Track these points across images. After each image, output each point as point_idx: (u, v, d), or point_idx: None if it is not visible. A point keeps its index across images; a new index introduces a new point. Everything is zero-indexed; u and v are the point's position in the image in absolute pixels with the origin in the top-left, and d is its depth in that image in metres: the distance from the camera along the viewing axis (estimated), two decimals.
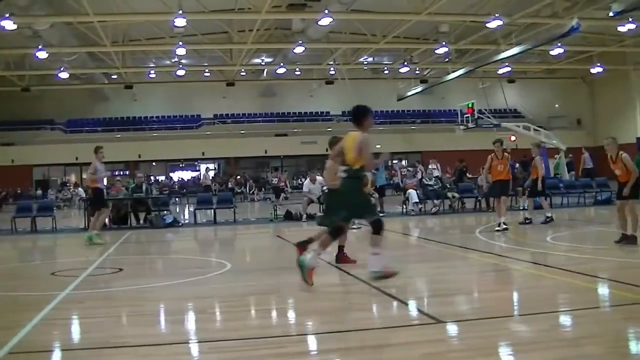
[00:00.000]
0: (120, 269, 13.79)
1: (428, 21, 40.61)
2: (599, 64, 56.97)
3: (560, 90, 65.46)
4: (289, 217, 26.81)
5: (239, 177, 53.69)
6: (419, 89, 56.28)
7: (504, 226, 18.78)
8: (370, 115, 11.07)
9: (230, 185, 49.87)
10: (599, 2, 36.97)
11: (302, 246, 11.78)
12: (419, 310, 9.13)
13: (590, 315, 8.31)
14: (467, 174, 36.57)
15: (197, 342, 7.85)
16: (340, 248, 13.18)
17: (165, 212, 26.63)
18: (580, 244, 16.33)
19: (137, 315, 9.41)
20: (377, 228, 10.49)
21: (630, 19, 39.94)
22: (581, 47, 52.66)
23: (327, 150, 13.46)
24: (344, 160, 10.79)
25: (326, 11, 34.47)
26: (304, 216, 26.12)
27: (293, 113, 61.39)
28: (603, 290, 10.28)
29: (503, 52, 43.29)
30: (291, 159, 59.08)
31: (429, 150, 49.86)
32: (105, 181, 20.39)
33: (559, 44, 45.67)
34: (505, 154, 20.04)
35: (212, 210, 27.66)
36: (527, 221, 20.75)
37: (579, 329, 7.85)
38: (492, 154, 19.75)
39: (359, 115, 10.97)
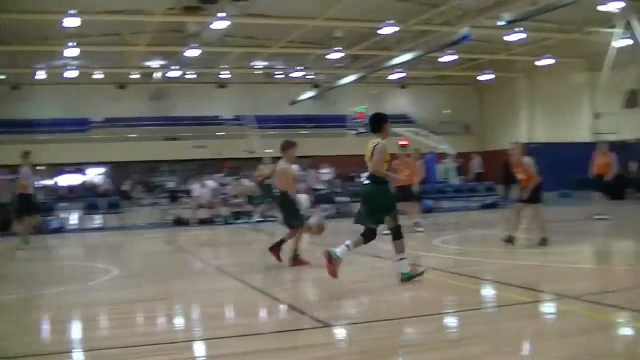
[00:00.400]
0: (1, 277, 13.42)
1: (323, 26, 40.81)
2: (488, 71, 58.23)
3: (451, 96, 66.47)
4: (178, 222, 26.54)
5: (129, 181, 52.79)
6: (311, 94, 56.51)
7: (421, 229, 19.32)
8: (388, 122, 11.00)
9: (126, 188, 48.97)
10: (489, 11, 37.79)
11: (277, 249, 13.11)
12: (308, 315, 9.11)
13: (475, 316, 8.46)
14: (356, 179, 36.98)
15: (82, 351, 7.68)
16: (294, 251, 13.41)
17: (51, 217, 26.06)
18: (467, 247, 16.62)
19: (18, 324, 9.12)
20: (398, 234, 10.66)
21: (518, 29, 40.98)
22: (471, 55, 53.73)
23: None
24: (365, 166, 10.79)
25: (221, 15, 34.24)
26: (194, 221, 25.91)
27: (184, 117, 60.71)
28: (487, 291, 10.48)
29: (395, 58, 43.82)
30: (181, 164, 58.40)
31: (320, 154, 49.93)
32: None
33: (451, 51, 46.49)
34: (408, 159, 20.38)
35: (101, 215, 27.20)
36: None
37: (464, 330, 7.97)
38: (398, 160, 20.01)
39: (377, 123, 10.92)
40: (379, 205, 10.72)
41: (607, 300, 9.08)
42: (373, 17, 38.77)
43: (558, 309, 8.76)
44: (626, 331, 7.68)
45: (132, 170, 56.68)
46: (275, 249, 13.43)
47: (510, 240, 14.89)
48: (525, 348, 7.15)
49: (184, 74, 52.90)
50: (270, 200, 23.64)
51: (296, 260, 13.08)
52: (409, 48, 43.33)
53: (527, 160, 15.03)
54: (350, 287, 11.06)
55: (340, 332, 7.95)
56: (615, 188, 21.07)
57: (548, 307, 8.94)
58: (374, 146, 10.61)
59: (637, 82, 44.17)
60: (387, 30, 37.98)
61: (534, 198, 14.91)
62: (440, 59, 50.55)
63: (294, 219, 13.45)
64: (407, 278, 10.65)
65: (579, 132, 49.59)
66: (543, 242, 14.68)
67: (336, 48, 44.79)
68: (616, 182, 20.52)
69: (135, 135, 56.76)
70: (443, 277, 11.43)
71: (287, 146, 13.31)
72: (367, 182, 10.83)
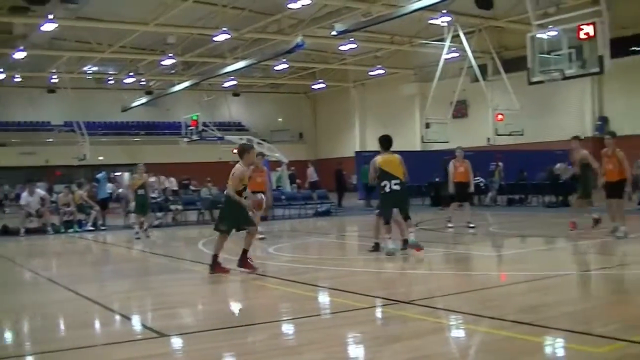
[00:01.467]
0: None
1: (155, 32, 40.39)
2: (321, 80, 59.11)
3: (284, 104, 67.24)
4: (6, 231, 25.55)
5: None
6: (143, 100, 55.84)
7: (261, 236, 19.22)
8: None
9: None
10: (323, 21, 38.34)
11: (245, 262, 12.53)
12: (143, 325, 8.97)
13: (311, 322, 8.52)
14: (191, 187, 36.86)
15: None
16: (244, 252, 12.65)
17: None
18: (302, 255, 16.73)
19: None
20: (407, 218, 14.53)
21: (351, 39, 41.80)
22: (305, 64, 54.43)
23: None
24: (385, 178, 14.22)
25: (50, 17, 33.29)
26: (22, 230, 25.02)
27: (12, 122, 58.70)
28: (323, 298, 10.58)
29: (229, 65, 43.86)
30: (8, 171, 56.38)
31: (153, 162, 49.40)
32: None
33: (284, 60, 46.90)
34: (264, 167, 20.44)
35: None
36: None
37: (300, 337, 8.02)
38: (252, 167, 19.88)
39: (390, 143, 14.63)
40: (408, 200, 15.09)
41: (437, 304, 9.42)
42: (207, 24, 38.77)
43: (392, 313, 8.93)
44: (457, 333, 7.94)
45: None
46: (244, 260, 12.66)
47: (376, 248, 14.97)
48: (361, 353, 7.25)
49: (12, 77, 51.18)
50: (144, 209, 22.45)
51: (217, 267, 12.59)
52: (242, 56, 43.49)
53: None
54: (186, 297, 10.97)
55: (176, 342, 7.84)
56: (469, 195, 21.38)
57: (383, 312, 9.11)
58: (401, 161, 14.43)
59: (465, 92, 45.73)
60: (220, 37, 37.96)
61: None
62: (274, 68, 51.02)
63: (221, 222, 12.79)
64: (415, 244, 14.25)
65: (410, 141, 50.96)
66: (404, 244, 14.79)
67: (169, 54, 44.46)
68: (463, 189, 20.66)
69: None
70: (279, 284, 11.46)
71: (244, 150, 12.79)
72: (397, 187, 14.19)
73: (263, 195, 13.58)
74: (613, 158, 16.32)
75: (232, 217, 12.53)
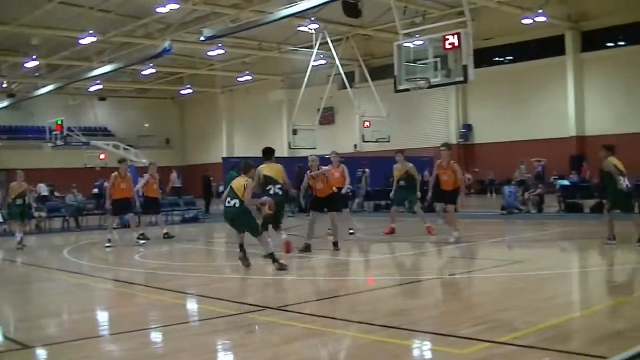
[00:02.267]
0: None
1: (18, 33, 39.33)
2: (188, 86, 58.76)
3: (151, 109, 66.56)
4: None
5: None
6: (5, 104, 54.18)
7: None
8: None
9: None
10: (191, 26, 38.14)
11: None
12: (4, 336, 8.74)
13: (179, 330, 8.48)
14: (55, 193, 36.09)
15: None
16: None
17: None
18: (169, 262, 16.58)
19: None
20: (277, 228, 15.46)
21: (219, 45, 41.73)
22: (172, 69, 54.02)
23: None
24: (269, 182, 14.83)
25: None
26: None
27: None
28: (191, 305, 10.53)
29: (95, 69, 43.10)
30: None
31: (15, 168, 47.97)
32: None
33: (151, 65, 46.44)
34: (128, 173, 20.07)
35: None
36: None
37: (169, 345, 7.97)
38: (116, 173, 19.52)
39: (272, 153, 15.61)
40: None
41: (306, 309, 9.50)
42: (72, 27, 37.96)
43: (261, 320, 8.94)
44: (326, 338, 7.98)
45: None
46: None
47: (307, 248, 15.80)
48: None
49: None
50: (22, 218, 21.28)
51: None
52: (109, 60, 42.80)
53: (326, 169, 16.23)
54: (51, 306, 10.74)
55: (41, 354, 7.67)
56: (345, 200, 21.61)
57: (251, 319, 9.11)
58: (282, 169, 15.32)
59: (332, 99, 46.17)
60: (86, 40, 37.27)
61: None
62: (141, 72, 50.47)
63: (254, 229, 13.57)
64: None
65: (278, 147, 51.09)
66: (335, 245, 16.31)
67: (33, 56, 43.33)
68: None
69: None
70: (146, 292, 11.35)
71: (249, 167, 14.01)
72: (279, 191, 14.93)
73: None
74: (448, 170, 17.12)
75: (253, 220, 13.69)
